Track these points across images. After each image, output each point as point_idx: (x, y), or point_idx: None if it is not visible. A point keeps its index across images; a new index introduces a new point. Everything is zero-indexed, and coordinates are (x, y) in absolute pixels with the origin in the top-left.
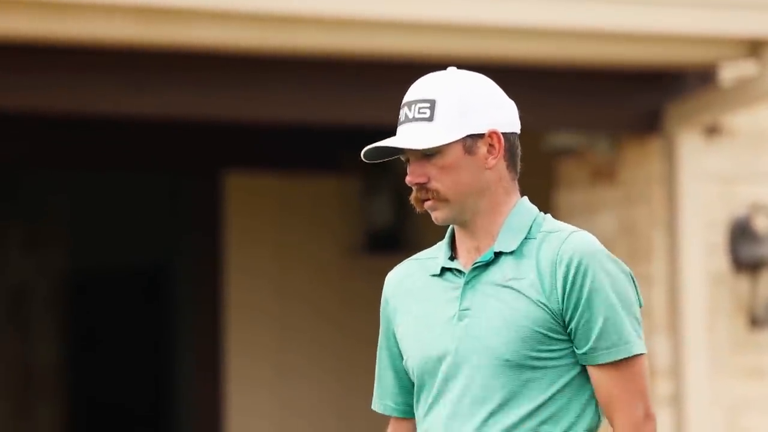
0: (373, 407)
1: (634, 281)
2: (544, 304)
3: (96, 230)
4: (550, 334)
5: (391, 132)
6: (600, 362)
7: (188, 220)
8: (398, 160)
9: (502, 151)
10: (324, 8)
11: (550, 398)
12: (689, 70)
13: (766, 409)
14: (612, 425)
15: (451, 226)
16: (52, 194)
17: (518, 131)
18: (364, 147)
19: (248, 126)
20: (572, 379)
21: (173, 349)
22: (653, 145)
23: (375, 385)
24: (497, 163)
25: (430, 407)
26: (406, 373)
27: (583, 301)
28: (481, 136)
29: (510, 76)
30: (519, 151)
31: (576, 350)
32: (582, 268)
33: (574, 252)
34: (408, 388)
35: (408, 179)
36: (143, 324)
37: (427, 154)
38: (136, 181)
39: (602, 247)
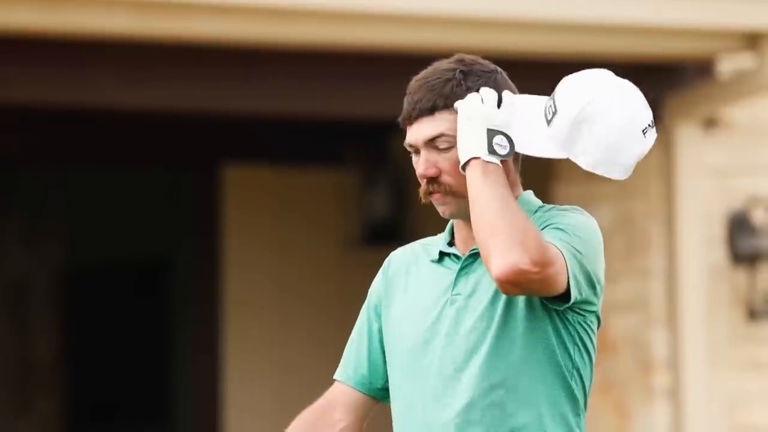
0: (335, 376)
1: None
2: None
3: (94, 225)
4: (536, 311)
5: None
6: None
7: (186, 214)
8: (397, 151)
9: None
10: (323, 1)
11: (536, 373)
12: (687, 62)
13: (765, 402)
14: None
15: None
16: (51, 189)
17: None
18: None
19: (246, 119)
20: (553, 354)
21: (171, 344)
22: None
23: (344, 353)
24: (508, 160)
25: (415, 389)
26: (380, 350)
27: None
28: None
29: (508, 68)
30: None
31: None
32: (554, 212)
33: (552, 208)
34: (376, 364)
35: (420, 173)
36: (141, 318)
37: (440, 144)
38: (135, 176)
39: (587, 217)
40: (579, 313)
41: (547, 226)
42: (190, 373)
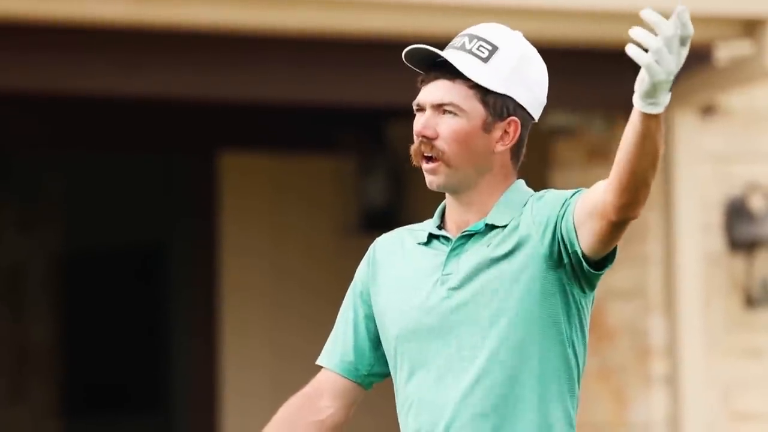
0: (318, 361)
1: None
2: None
3: (91, 211)
4: (547, 287)
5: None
6: (567, 217)
7: (183, 200)
8: (393, 138)
9: (512, 142)
10: None
11: (540, 350)
12: None
13: (761, 389)
14: (605, 199)
15: (443, 202)
16: (47, 174)
17: (535, 121)
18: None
19: (243, 106)
20: (546, 337)
21: (168, 330)
22: None
23: (328, 340)
24: (504, 150)
25: (413, 372)
26: (367, 336)
27: (542, 210)
28: (501, 118)
29: None
30: (525, 143)
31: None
32: (538, 196)
33: (546, 192)
34: (362, 351)
35: (418, 130)
36: (138, 304)
37: (447, 110)
38: (131, 162)
39: None
40: (584, 291)
41: (574, 197)
42: (187, 359)
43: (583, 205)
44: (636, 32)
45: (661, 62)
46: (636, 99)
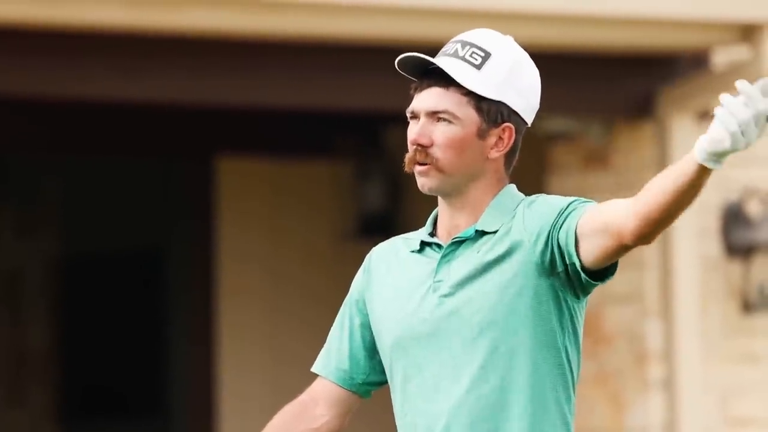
0: (312, 369)
1: None
2: (518, 264)
3: (88, 215)
4: (541, 295)
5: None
6: (567, 228)
7: (181, 204)
8: (391, 143)
9: (506, 148)
10: None
11: (524, 358)
12: (682, 54)
13: (758, 394)
14: (618, 222)
15: (435, 209)
16: (45, 178)
17: (528, 126)
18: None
19: (241, 111)
20: (538, 343)
21: (166, 334)
22: (646, 130)
23: (323, 348)
24: (498, 156)
25: (408, 379)
26: (362, 345)
27: (534, 217)
28: (496, 124)
29: None
30: (518, 149)
31: (556, 240)
32: (529, 201)
33: (537, 196)
34: (357, 359)
35: (413, 138)
36: (136, 309)
37: (441, 118)
38: (129, 166)
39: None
40: (578, 298)
41: (571, 207)
42: (185, 363)
43: (592, 221)
44: (729, 101)
45: (745, 134)
46: (701, 152)
